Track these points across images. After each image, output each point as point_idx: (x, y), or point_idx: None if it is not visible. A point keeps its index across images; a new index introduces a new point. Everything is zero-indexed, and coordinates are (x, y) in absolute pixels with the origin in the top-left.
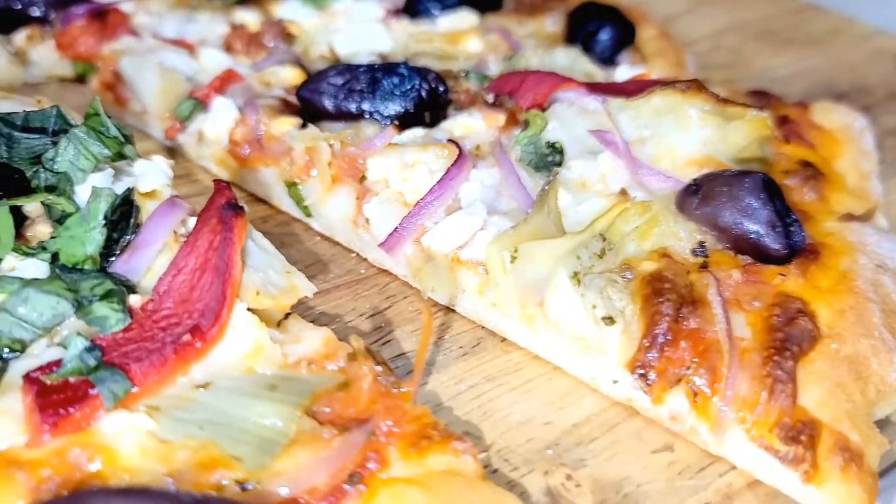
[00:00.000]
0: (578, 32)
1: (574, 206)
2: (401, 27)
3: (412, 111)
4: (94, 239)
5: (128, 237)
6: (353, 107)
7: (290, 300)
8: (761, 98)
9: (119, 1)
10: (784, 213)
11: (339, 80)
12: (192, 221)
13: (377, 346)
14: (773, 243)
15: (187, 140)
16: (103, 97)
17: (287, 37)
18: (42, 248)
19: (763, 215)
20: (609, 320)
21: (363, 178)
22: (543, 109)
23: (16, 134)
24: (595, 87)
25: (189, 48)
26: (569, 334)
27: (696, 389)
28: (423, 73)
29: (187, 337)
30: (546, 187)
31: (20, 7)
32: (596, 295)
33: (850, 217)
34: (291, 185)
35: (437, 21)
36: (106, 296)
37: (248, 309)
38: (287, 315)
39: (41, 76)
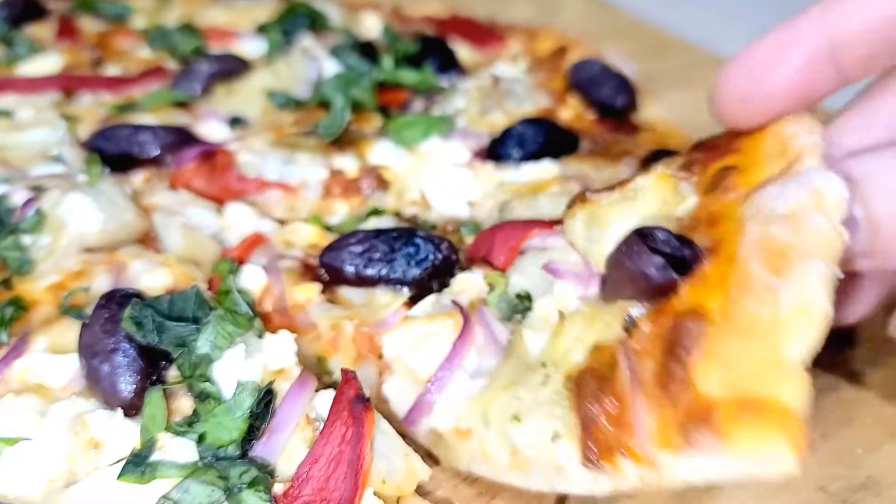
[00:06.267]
0: None
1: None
2: (486, 173)
3: (426, 279)
4: (238, 427)
5: (266, 422)
6: (371, 273)
7: (411, 486)
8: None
9: (227, 141)
10: (665, 244)
11: (359, 248)
12: (318, 399)
13: None
14: (662, 277)
15: None
16: None
17: (382, 182)
18: (189, 424)
19: (645, 260)
20: (556, 435)
21: (381, 355)
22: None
23: (167, 323)
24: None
25: (292, 191)
26: (546, 465)
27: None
28: (436, 242)
29: None
30: (511, 337)
31: (137, 150)
32: (547, 421)
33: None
34: (321, 359)
35: (520, 168)
36: (252, 483)
37: (375, 493)
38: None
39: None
